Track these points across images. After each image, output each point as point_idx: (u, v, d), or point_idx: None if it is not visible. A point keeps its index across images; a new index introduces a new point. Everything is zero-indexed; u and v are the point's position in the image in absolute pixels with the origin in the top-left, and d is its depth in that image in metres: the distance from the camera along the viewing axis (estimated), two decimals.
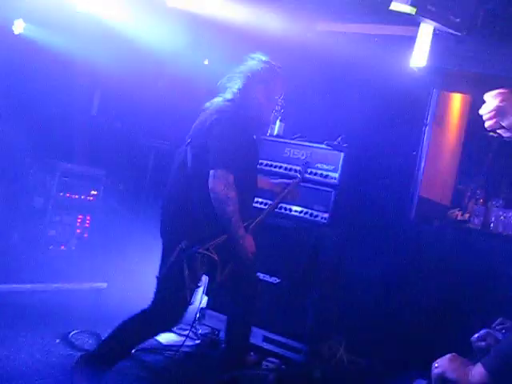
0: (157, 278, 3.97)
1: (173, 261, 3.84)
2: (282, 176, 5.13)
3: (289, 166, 5.26)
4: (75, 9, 6.40)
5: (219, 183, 3.75)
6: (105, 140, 7.94)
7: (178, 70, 7.03)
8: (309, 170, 5.17)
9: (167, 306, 3.95)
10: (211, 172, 3.78)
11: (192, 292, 3.87)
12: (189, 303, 3.92)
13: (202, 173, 3.83)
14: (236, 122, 3.94)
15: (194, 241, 3.83)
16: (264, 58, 4.17)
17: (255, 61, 4.15)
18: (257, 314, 4.55)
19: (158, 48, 6.77)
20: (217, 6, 6.32)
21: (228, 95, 4.10)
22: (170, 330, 4.03)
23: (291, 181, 4.61)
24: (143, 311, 3.96)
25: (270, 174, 5.12)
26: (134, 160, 8.06)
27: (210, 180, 3.77)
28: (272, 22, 6.09)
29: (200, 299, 4.45)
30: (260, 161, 4.68)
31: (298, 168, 5.14)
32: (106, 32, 6.72)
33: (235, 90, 4.08)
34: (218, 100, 4.11)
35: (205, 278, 4.05)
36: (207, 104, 4.15)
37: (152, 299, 3.99)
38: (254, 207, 4.91)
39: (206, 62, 7.36)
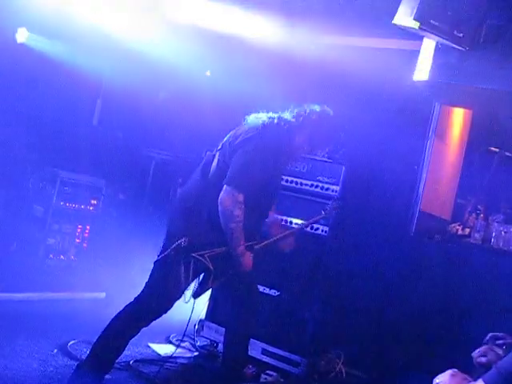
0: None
1: (167, 254, 3.94)
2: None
3: (290, 179, 5.25)
4: (78, 18, 6.42)
5: (227, 199, 3.86)
6: (105, 150, 7.94)
7: (179, 80, 7.04)
8: (309, 183, 5.18)
9: (150, 295, 4.02)
10: (224, 186, 3.88)
11: (179, 287, 3.95)
12: (174, 297, 3.99)
13: (220, 182, 3.93)
14: (264, 149, 3.98)
15: (195, 242, 3.92)
16: (324, 111, 4.23)
17: (314, 109, 4.21)
18: (256, 327, 4.53)
19: (159, 58, 6.78)
20: (219, 17, 6.35)
21: (273, 120, 4.13)
22: (155, 318, 4.05)
23: (292, 229, 4.61)
24: (129, 303, 4.04)
25: None
26: (134, 170, 8.06)
27: (221, 193, 3.88)
28: (276, 34, 6.11)
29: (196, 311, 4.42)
30: None
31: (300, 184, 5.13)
32: (108, 42, 6.73)
33: (282, 122, 4.13)
34: (262, 118, 4.13)
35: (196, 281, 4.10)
36: (251, 117, 4.19)
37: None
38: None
39: (208, 74, 7.38)
